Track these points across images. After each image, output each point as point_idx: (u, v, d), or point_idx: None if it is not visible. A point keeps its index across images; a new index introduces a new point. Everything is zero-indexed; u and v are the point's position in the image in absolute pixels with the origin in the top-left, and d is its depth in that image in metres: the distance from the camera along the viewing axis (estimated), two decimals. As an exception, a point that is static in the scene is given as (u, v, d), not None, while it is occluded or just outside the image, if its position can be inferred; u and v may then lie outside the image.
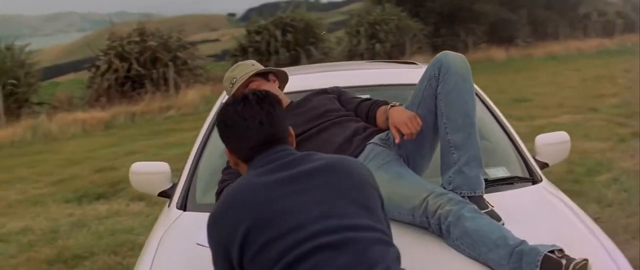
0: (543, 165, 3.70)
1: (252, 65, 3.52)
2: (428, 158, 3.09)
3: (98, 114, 17.84)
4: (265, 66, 3.64)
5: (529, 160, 3.54)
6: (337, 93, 3.55)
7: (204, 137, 3.91)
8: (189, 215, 3.31)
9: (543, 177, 3.44)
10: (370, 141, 3.13)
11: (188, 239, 2.88)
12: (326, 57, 25.77)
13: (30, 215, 8.16)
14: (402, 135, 2.96)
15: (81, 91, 22.63)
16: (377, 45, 27.89)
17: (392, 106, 3.13)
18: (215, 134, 3.55)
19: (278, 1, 28.92)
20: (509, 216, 2.79)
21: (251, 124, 2.34)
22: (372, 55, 27.09)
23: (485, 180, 3.10)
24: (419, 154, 3.05)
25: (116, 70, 22.26)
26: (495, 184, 3.24)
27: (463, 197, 2.82)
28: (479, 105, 3.90)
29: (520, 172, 3.45)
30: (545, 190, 3.29)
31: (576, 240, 2.67)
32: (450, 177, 2.90)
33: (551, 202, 3.16)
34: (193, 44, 26.29)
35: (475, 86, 4.18)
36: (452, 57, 2.95)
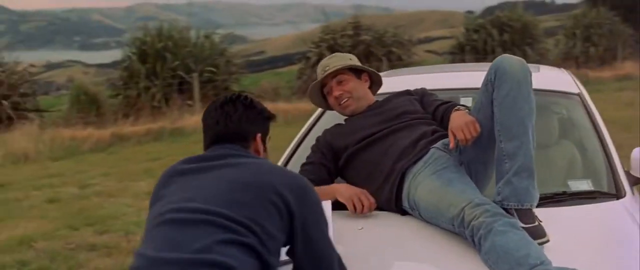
0: (637, 181, 3.46)
1: (349, 60, 3.54)
2: (491, 166, 2.94)
3: (302, 106, 18.12)
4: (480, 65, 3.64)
5: (618, 174, 3.28)
6: (421, 94, 3.53)
7: (301, 136, 3.96)
8: None
9: (628, 192, 3.17)
10: (434, 145, 3.08)
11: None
12: (542, 58, 24.80)
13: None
14: (457, 140, 2.90)
15: (292, 82, 23.12)
16: (592, 49, 26.69)
17: (455, 109, 3.07)
18: (311, 134, 3.78)
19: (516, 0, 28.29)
20: (564, 233, 2.67)
21: (210, 123, 2.57)
22: (586, 59, 26.18)
23: (564, 192, 3.06)
24: (481, 161, 2.94)
25: (328, 64, 22.55)
26: (577, 198, 3.07)
27: (509, 209, 2.70)
28: (580, 112, 3.68)
29: (605, 186, 3.22)
30: (623, 207, 3.03)
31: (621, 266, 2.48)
32: (499, 187, 2.76)
33: (621, 220, 2.91)
34: (425, 40, 26.16)
35: (582, 90, 3.95)
36: (508, 61, 2.80)
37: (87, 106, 17.43)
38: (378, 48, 23.31)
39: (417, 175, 2.96)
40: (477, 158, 2.94)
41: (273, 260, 2.26)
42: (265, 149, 2.64)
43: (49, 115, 19.10)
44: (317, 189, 2.99)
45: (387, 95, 3.57)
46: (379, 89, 3.66)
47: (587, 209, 2.97)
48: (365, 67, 3.59)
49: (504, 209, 2.69)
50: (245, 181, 2.32)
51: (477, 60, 23.56)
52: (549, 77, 4.32)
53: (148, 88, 19.29)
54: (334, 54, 3.63)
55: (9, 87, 18.98)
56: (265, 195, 2.29)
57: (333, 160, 3.30)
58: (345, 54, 3.63)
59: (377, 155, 3.16)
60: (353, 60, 3.56)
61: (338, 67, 3.47)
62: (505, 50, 25.32)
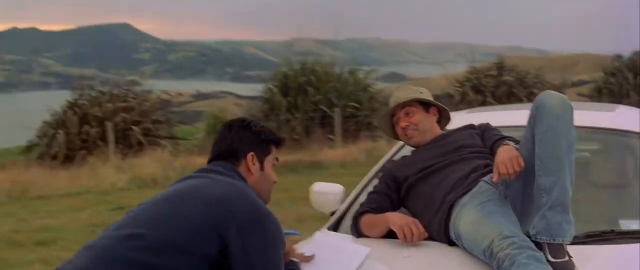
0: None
1: (420, 93, 3.65)
2: (534, 200, 2.96)
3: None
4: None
5: None
6: (483, 129, 3.57)
7: (379, 167, 4.01)
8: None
9: None
10: (483, 178, 3.14)
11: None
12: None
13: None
14: (500, 174, 2.94)
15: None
16: None
17: (503, 144, 3.12)
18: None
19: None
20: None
21: (214, 142, 2.89)
22: None
23: (612, 231, 3.03)
24: (525, 195, 2.97)
25: (470, 102, 22.63)
26: (625, 237, 3.04)
27: (541, 243, 2.73)
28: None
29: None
30: None
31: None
32: (535, 221, 2.81)
33: None
34: (578, 83, 25.76)
35: None
36: (548, 97, 2.86)
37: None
38: (520, 89, 23.08)
39: (463, 207, 3.03)
40: (522, 192, 2.97)
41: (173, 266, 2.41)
42: (261, 168, 2.83)
43: (184, 143, 19.80)
44: (372, 217, 3.24)
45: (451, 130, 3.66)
46: (447, 123, 3.72)
47: (633, 248, 2.93)
48: (434, 101, 3.66)
49: (537, 242, 2.73)
50: (198, 194, 2.54)
51: (612, 103, 22.96)
52: (624, 117, 4.28)
53: (288, 120, 19.71)
54: (406, 86, 3.75)
55: (141, 113, 19.88)
56: (207, 213, 2.48)
57: (396, 190, 3.41)
58: (418, 87, 3.73)
59: (432, 187, 3.25)
60: (424, 93, 3.65)
61: (407, 98, 3.58)
62: (639, 94, 24.65)
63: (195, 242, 2.42)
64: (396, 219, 3.18)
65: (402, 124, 3.57)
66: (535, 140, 2.84)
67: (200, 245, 2.42)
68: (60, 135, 18.71)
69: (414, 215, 3.26)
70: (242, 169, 2.79)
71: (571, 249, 2.74)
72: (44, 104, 20.34)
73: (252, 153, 2.81)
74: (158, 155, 14.88)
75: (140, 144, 18.59)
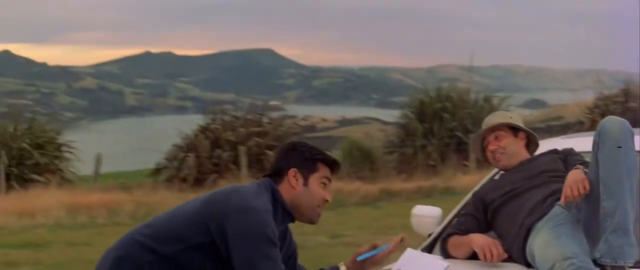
0: None
1: (510, 118, 3.83)
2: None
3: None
4: None
5: None
6: (566, 154, 3.67)
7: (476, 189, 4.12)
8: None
9: None
10: (558, 202, 3.22)
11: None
12: None
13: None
14: (566, 197, 3.06)
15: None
16: None
17: (574, 168, 3.19)
18: None
19: None
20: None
21: None
22: None
23: None
24: (594, 218, 3.03)
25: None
26: None
27: (604, 266, 2.86)
28: None
29: None
30: None
31: None
32: (599, 244, 2.92)
33: None
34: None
35: None
36: (609, 122, 3.01)
37: (360, 161, 17.99)
38: (645, 116, 22.13)
39: (539, 230, 3.17)
40: (591, 215, 3.07)
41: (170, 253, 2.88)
42: (305, 184, 3.05)
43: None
44: (459, 238, 3.44)
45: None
46: (536, 148, 3.83)
47: None
48: (522, 126, 3.81)
49: (601, 265, 2.86)
50: (205, 195, 3.00)
51: None
52: None
53: (424, 146, 19.87)
54: (497, 112, 3.99)
55: (275, 138, 19.94)
56: (202, 208, 2.91)
57: (483, 213, 3.58)
58: (508, 112, 3.97)
59: (514, 210, 3.41)
60: (513, 119, 3.83)
61: (496, 123, 3.77)
62: None
63: (189, 232, 2.86)
64: (478, 239, 3.36)
65: (491, 147, 3.74)
66: (599, 164, 2.97)
67: (193, 235, 2.86)
68: (191, 158, 19.06)
69: (499, 237, 3.45)
70: (283, 185, 3.04)
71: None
72: (175, 128, 20.77)
73: (294, 169, 3.04)
74: (293, 179, 14.81)
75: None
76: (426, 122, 20.59)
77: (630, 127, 3.00)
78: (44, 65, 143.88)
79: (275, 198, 2.98)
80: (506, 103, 22.74)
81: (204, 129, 20.20)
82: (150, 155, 21.86)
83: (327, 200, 3.09)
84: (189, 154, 19.24)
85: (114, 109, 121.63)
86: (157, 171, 20.15)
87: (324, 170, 3.08)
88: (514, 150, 3.72)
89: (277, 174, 3.06)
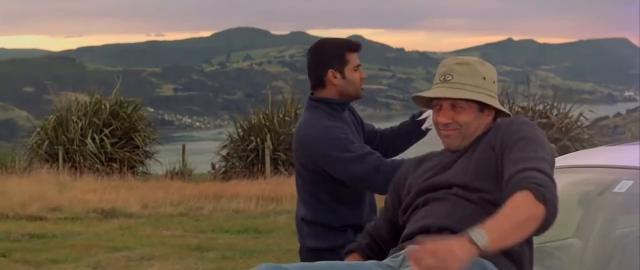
0: None
1: (483, 79, 2.61)
2: None
3: None
4: None
5: None
6: (505, 142, 2.53)
7: None
8: None
9: None
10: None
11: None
12: None
13: None
14: None
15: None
16: None
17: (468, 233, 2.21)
18: None
19: None
20: None
21: None
22: None
23: None
24: None
25: None
26: None
27: None
28: None
29: None
30: None
31: None
32: None
33: None
34: None
35: None
36: None
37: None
38: None
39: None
40: None
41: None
42: (343, 77, 3.36)
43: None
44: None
45: None
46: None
47: None
48: (495, 104, 2.61)
49: None
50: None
51: None
52: None
53: None
54: (465, 61, 2.64)
55: (559, 130, 19.20)
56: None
57: (399, 206, 2.87)
58: (480, 67, 2.62)
59: (415, 218, 2.71)
60: (487, 79, 2.60)
61: (461, 97, 2.56)
62: None
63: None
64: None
65: (442, 119, 2.59)
66: None
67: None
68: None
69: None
70: (327, 88, 3.37)
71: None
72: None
73: (330, 71, 3.36)
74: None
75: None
76: None
77: None
78: (400, 51, 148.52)
79: (327, 103, 3.37)
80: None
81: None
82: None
83: (362, 78, 3.42)
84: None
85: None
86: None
87: (353, 59, 3.38)
88: (472, 129, 2.58)
89: (320, 84, 3.40)
